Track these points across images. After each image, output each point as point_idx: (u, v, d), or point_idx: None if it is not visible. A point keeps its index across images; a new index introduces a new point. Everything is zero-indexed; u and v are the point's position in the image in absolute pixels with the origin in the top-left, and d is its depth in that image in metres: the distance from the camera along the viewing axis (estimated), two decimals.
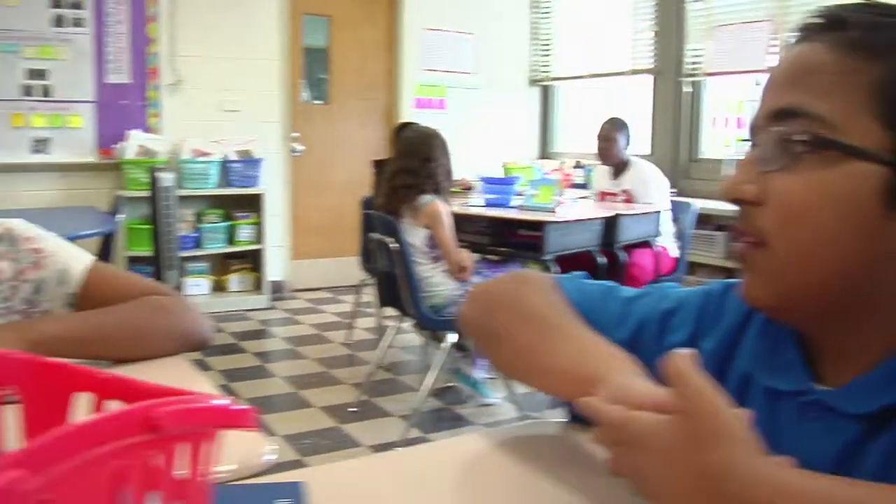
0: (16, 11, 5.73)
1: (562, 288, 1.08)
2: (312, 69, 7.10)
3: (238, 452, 0.88)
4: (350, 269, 6.49)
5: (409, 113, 7.15)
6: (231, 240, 6.34)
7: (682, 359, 0.67)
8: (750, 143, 0.82)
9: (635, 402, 0.74)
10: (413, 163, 3.92)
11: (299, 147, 6.84)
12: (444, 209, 3.88)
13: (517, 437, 1.04)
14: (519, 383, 0.99)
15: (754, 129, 0.82)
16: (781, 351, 0.86)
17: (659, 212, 4.85)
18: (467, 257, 3.94)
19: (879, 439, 0.74)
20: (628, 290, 1.08)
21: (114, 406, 0.62)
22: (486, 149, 7.35)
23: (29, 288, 1.39)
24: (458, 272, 3.91)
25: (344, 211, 6.82)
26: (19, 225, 1.43)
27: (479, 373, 4.21)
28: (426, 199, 3.86)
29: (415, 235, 3.87)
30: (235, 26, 6.46)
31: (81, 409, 0.63)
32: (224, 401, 0.57)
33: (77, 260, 1.43)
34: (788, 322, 0.85)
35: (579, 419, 0.93)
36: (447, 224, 3.87)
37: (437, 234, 3.86)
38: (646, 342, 0.99)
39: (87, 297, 1.40)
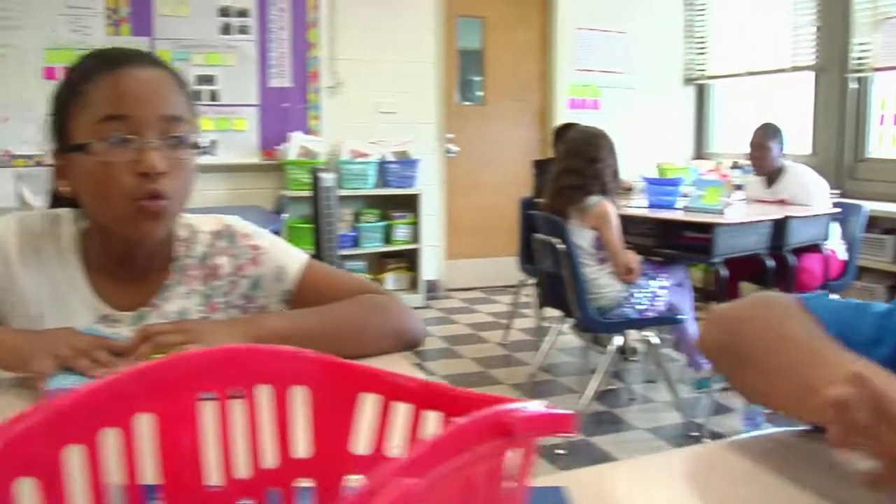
0: (187, 21, 5.98)
1: (810, 309, 1.02)
2: (467, 71, 7.14)
3: None
4: (503, 269, 6.51)
5: (562, 114, 7.11)
6: (388, 239, 6.44)
7: None
8: None
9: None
10: (579, 163, 3.88)
11: (454, 148, 6.90)
12: (612, 210, 3.84)
13: (760, 447, 1.01)
14: (768, 408, 0.95)
15: None
16: None
17: (828, 215, 4.67)
18: (634, 259, 3.89)
19: None
20: (878, 306, 1.02)
21: (401, 408, 0.62)
22: (641, 149, 7.23)
23: (247, 283, 1.43)
24: (624, 274, 3.86)
25: (497, 211, 6.84)
26: (237, 222, 1.47)
27: (702, 370, 4.15)
28: (594, 199, 3.83)
29: (581, 236, 3.84)
30: (392, 29, 6.56)
31: (368, 409, 0.64)
32: (541, 405, 0.56)
33: (294, 257, 1.45)
34: None
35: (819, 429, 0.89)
36: (615, 225, 3.82)
37: (604, 235, 3.82)
38: None
39: (302, 294, 1.43)
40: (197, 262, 1.41)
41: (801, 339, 0.96)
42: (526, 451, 0.54)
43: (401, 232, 6.46)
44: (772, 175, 5.02)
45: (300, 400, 0.64)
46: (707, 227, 4.04)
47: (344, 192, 5.92)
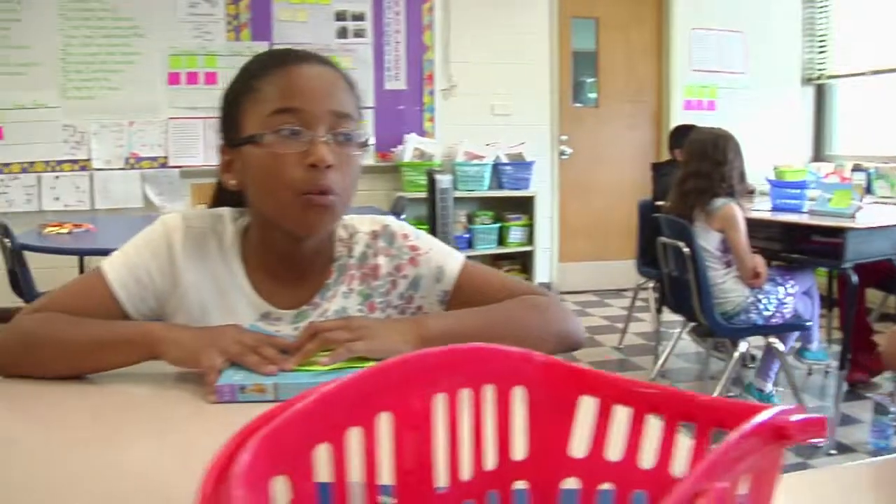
0: (304, 26, 6.11)
1: None
2: (580, 72, 7.10)
3: None
4: (616, 272, 6.46)
5: (678, 115, 6.99)
6: (502, 241, 6.44)
7: None
8: None
9: None
10: (706, 166, 3.81)
11: (568, 150, 6.86)
12: (739, 213, 3.76)
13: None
14: None
15: None
16: None
17: None
18: (761, 263, 3.81)
19: None
20: None
21: (622, 412, 0.61)
22: (757, 151, 7.05)
23: (405, 284, 1.43)
24: (751, 278, 3.78)
25: (611, 214, 6.78)
26: (395, 222, 1.47)
27: (769, 385, 4.06)
28: (720, 202, 3.75)
29: (707, 239, 3.78)
30: (505, 31, 6.57)
31: (587, 413, 0.63)
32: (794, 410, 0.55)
33: (452, 258, 1.44)
34: None
35: None
36: (742, 228, 3.74)
37: (731, 238, 3.75)
38: None
39: (460, 295, 1.42)
40: (356, 263, 1.42)
41: None
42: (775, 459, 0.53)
43: (515, 234, 6.46)
44: None
45: (520, 401, 0.64)
46: (837, 232, 3.92)
47: (459, 194, 5.94)
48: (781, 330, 3.90)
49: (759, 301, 3.79)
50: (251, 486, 0.44)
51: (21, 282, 3.87)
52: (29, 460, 0.92)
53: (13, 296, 4.05)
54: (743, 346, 3.87)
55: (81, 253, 4.38)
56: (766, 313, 3.79)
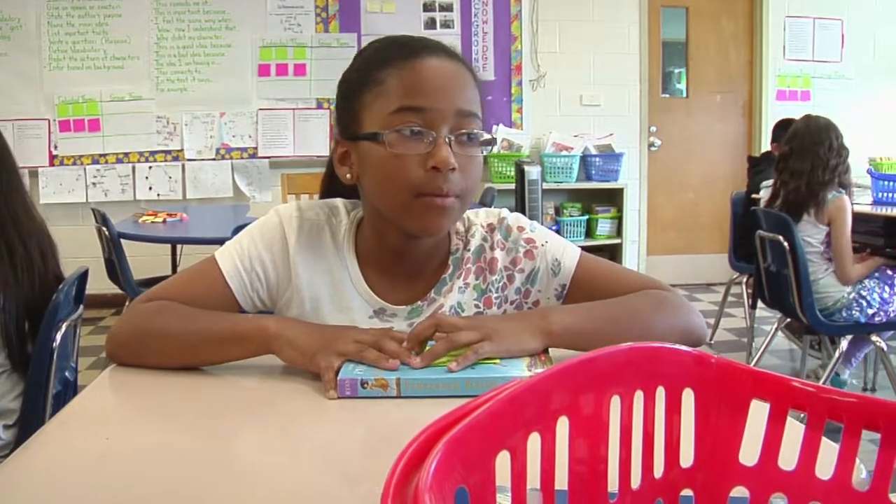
0: (392, 17, 6.12)
1: None
2: (670, 62, 6.98)
3: None
4: (705, 266, 6.35)
5: (770, 106, 6.84)
6: (590, 233, 6.38)
7: None
8: None
9: None
10: (812, 157, 3.70)
11: (657, 142, 6.76)
12: (850, 207, 3.64)
13: None
14: None
15: None
16: None
17: None
18: (865, 270, 3.71)
19: None
20: None
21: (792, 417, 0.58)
22: (854, 142, 6.84)
23: (521, 278, 1.39)
24: (845, 282, 3.68)
25: (701, 207, 6.66)
26: (510, 214, 1.43)
27: (847, 372, 3.95)
28: (832, 194, 3.64)
29: (812, 234, 3.67)
30: (594, 21, 6.49)
31: (760, 417, 0.60)
32: None
33: (568, 251, 1.40)
34: None
35: None
36: (848, 223, 3.63)
37: (835, 231, 3.63)
38: None
39: (577, 289, 1.37)
40: (472, 256, 1.39)
41: None
42: None
43: (603, 226, 6.39)
44: None
45: (689, 404, 0.61)
46: None
47: (547, 186, 5.89)
48: (885, 328, 3.77)
49: (863, 298, 3.67)
50: (438, 493, 0.41)
51: (119, 270, 3.95)
52: (146, 456, 0.92)
53: (110, 284, 4.14)
54: (843, 344, 3.75)
55: (175, 241, 4.46)
56: (869, 311, 3.67)
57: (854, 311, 3.68)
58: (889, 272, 3.83)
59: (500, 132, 6.13)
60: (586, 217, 6.37)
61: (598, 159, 6.27)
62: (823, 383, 3.72)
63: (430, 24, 6.20)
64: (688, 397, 0.61)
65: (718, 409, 0.61)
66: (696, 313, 1.36)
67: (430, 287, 1.37)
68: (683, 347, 0.62)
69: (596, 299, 1.32)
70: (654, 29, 6.76)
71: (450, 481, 0.45)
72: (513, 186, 5.15)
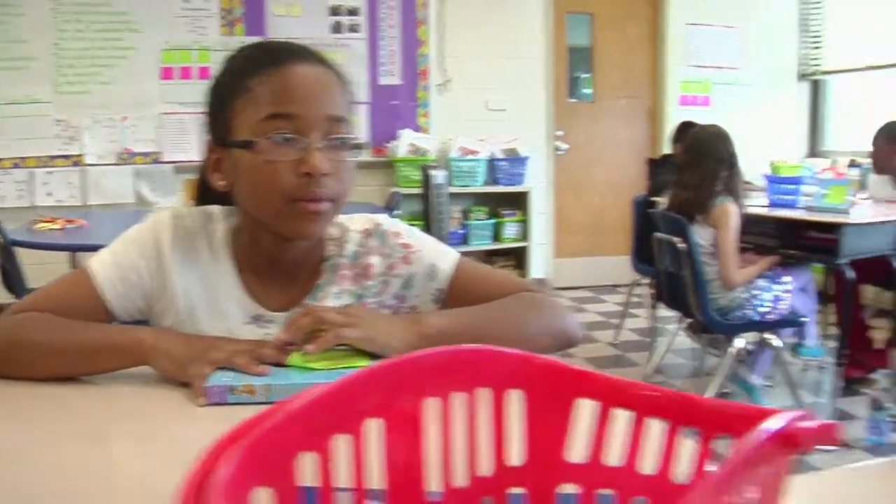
0: (299, 21, 6.07)
1: None
2: (576, 68, 7.07)
3: None
4: (611, 268, 6.45)
5: (674, 111, 7.00)
6: (497, 237, 6.42)
7: None
8: None
9: None
10: (703, 163, 3.81)
11: (563, 146, 6.84)
12: (734, 213, 3.75)
13: None
14: None
15: None
16: None
17: None
18: (748, 276, 3.81)
19: None
20: None
21: (622, 415, 0.59)
22: (753, 146, 7.02)
23: (399, 283, 1.40)
24: (729, 287, 3.78)
25: (607, 210, 6.77)
26: (386, 220, 1.44)
27: (757, 379, 4.06)
28: (718, 199, 3.75)
29: (703, 236, 3.77)
30: (501, 26, 6.54)
31: (585, 415, 0.61)
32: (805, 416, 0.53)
33: (445, 255, 1.42)
34: None
35: None
36: (732, 229, 3.73)
37: (719, 236, 3.74)
38: None
39: (454, 293, 1.39)
40: (348, 262, 1.39)
41: None
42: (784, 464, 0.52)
43: (510, 230, 6.44)
44: None
45: (516, 404, 0.62)
46: (832, 227, 3.91)
47: (453, 190, 5.91)
48: (777, 326, 3.89)
49: (755, 297, 3.78)
50: (231, 498, 0.42)
51: (11, 278, 3.84)
52: (10, 461, 0.91)
53: (4, 292, 4.02)
54: (739, 343, 3.85)
55: (73, 249, 4.34)
56: (761, 309, 3.78)
57: (748, 310, 3.78)
58: (781, 272, 3.95)
59: (407, 136, 6.13)
60: (493, 221, 6.42)
61: (503, 163, 6.32)
62: (720, 381, 3.83)
63: (337, 27, 6.17)
64: (518, 398, 0.62)
65: (545, 409, 0.62)
66: (569, 315, 1.39)
67: (307, 293, 1.37)
68: (508, 350, 0.63)
69: (474, 303, 1.34)
70: (559, 35, 6.85)
71: (245, 483, 0.45)
72: (419, 191, 5.17)
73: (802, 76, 7.72)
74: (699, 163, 3.83)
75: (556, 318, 1.37)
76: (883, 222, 4.13)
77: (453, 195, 5.90)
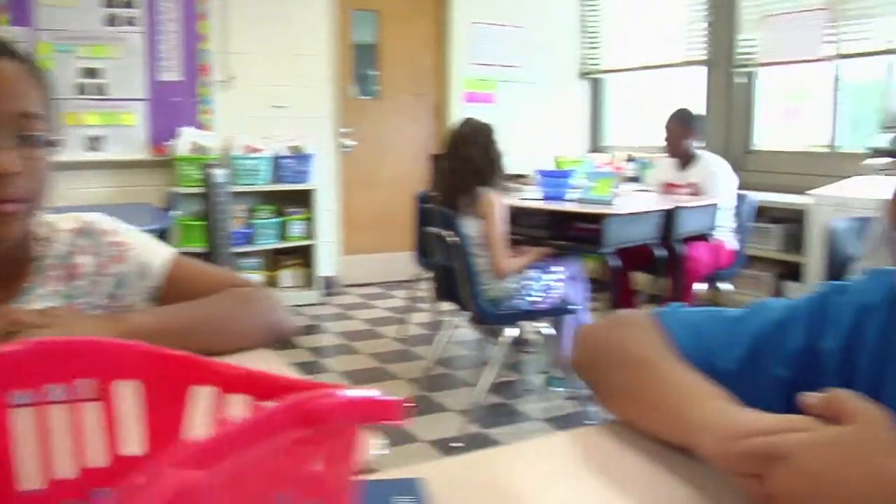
0: (71, 12, 5.78)
1: (662, 323, 1.05)
2: (362, 65, 7.08)
3: None
4: (400, 264, 6.48)
5: (459, 108, 7.13)
6: (283, 235, 6.34)
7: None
8: None
9: (766, 429, 0.74)
10: (466, 155, 3.91)
11: (350, 143, 6.83)
12: (498, 203, 3.86)
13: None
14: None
15: None
16: None
17: (715, 205, 4.77)
18: (516, 265, 3.92)
19: None
20: (732, 311, 1.05)
21: (236, 400, 0.60)
22: (537, 142, 7.27)
23: (111, 282, 1.38)
24: (499, 276, 3.88)
25: (394, 206, 6.80)
26: (99, 218, 1.42)
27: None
28: (481, 190, 3.85)
29: (471, 228, 3.85)
30: (285, 22, 6.46)
31: (202, 401, 0.61)
32: (372, 392, 0.54)
33: (158, 253, 1.41)
34: None
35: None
36: (498, 218, 3.84)
37: (486, 226, 3.84)
38: (765, 355, 0.96)
39: (169, 291, 1.39)
40: (58, 262, 1.35)
41: (643, 359, 0.99)
42: (347, 439, 0.52)
43: (296, 228, 6.37)
44: (684, 159, 5.13)
45: (132, 395, 0.62)
46: (597, 218, 4.09)
47: (237, 188, 5.80)
48: (549, 314, 4.02)
49: (525, 287, 3.90)
50: None
51: None
52: None
53: None
54: (512, 332, 3.94)
55: None
56: (530, 298, 3.89)
57: (518, 300, 3.89)
58: (552, 262, 4.08)
59: (188, 135, 5.94)
60: (279, 219, 6.33)
61: (288, 161, 6.25)
62: (495, 368, 3.91)
63: (111, 20, 5.91)
64: (134, 389, 0.61)
65: (164, 398, 0.62)
66: (280, 308, 1.42)
67: (14, 296, 1.31)
68: (113, 340, 0.62)
69: (190, 299, 1.34)
70: (345, 31, 6.83)
71: None
72: (201, 190, 5.03)
73: (583, 74, 8.04)
74: (456, 152, 3.93)
75: (267, 312, 1.39)
76: (645, 212, 4.35)
77: (237, 194, 5.80)
